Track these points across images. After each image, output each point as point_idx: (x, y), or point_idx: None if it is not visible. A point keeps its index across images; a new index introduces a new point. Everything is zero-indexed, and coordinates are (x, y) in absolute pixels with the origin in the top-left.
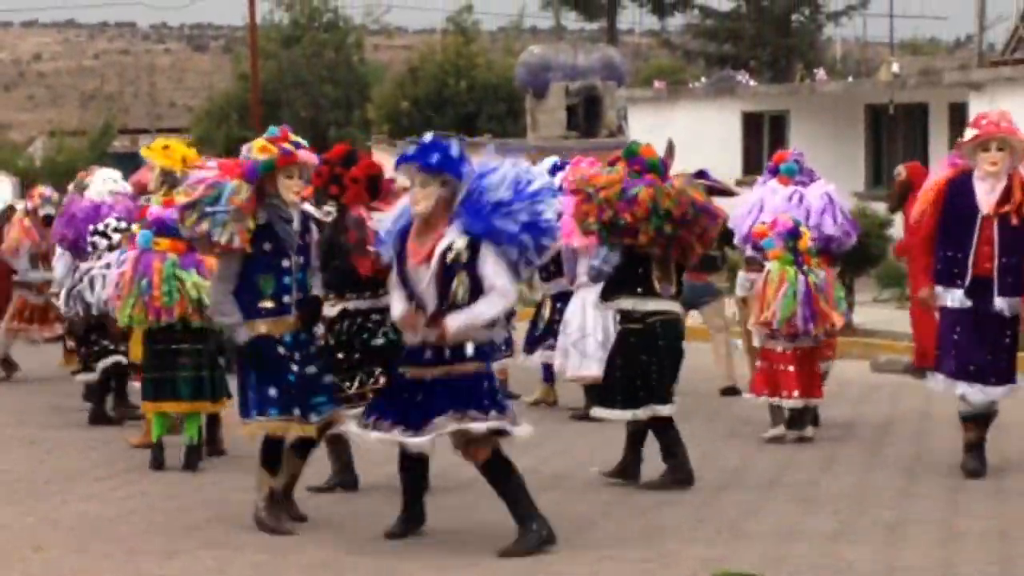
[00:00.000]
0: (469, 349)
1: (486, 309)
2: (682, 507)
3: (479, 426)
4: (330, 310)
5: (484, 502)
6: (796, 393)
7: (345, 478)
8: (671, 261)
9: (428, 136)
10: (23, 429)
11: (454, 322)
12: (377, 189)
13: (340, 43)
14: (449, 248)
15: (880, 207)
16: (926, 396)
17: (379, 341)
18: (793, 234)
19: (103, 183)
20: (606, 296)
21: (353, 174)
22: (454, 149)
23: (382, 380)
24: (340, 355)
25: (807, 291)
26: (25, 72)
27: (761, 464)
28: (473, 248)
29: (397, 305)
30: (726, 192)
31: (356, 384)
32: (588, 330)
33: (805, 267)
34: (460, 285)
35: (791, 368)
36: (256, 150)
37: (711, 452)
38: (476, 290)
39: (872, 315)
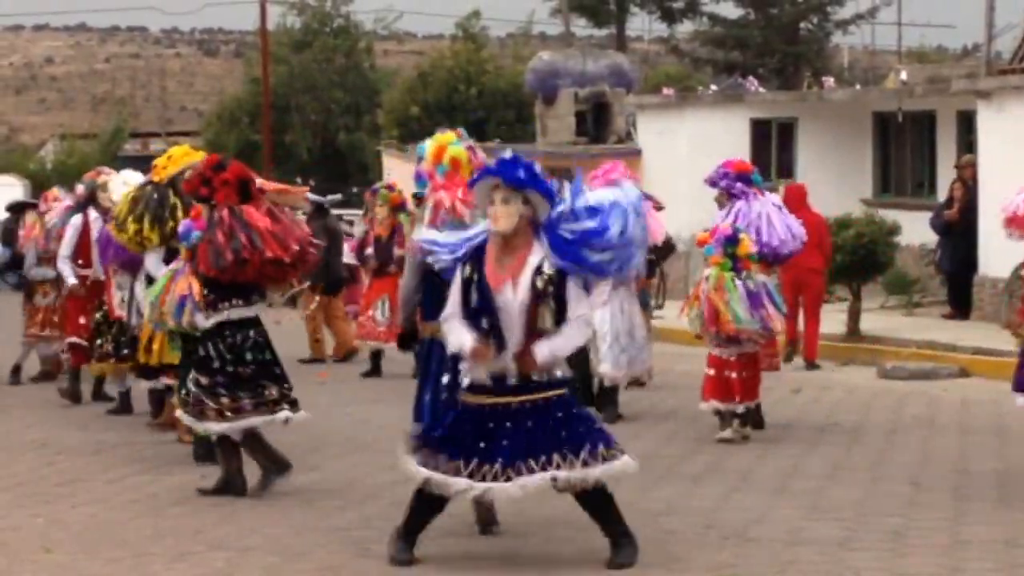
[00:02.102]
0: (558, 373)
1: (573, 338)
2: (689, 513)
3: (578, 475)
4: (205, 322)
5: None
6: (737, 399)
7: (277, 468)
8: None
9: (508, 152)
10: (33, 432)
11: (543, 352)
12: (248, 192)
13: (351, 48)
14: (539, 272)
15: (888, 214)
16: (932, 403)
17: (267, 355)
18: (732, 240)
19: (123, 186)
20: None
21: (223, 177)
22: (536, 167)
23: (274, 393)
24: (239, 368)
25: (747, 295)
26: (37, 76)
27: (767, 471)
28: (560, 273)
29: (461, 335)
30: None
31: (268, 392)
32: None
33: (744, 273)
34: (547, 311)
35: (734, 374)
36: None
37: (717, 458)
38: (559, 317)
39: (879, 322)
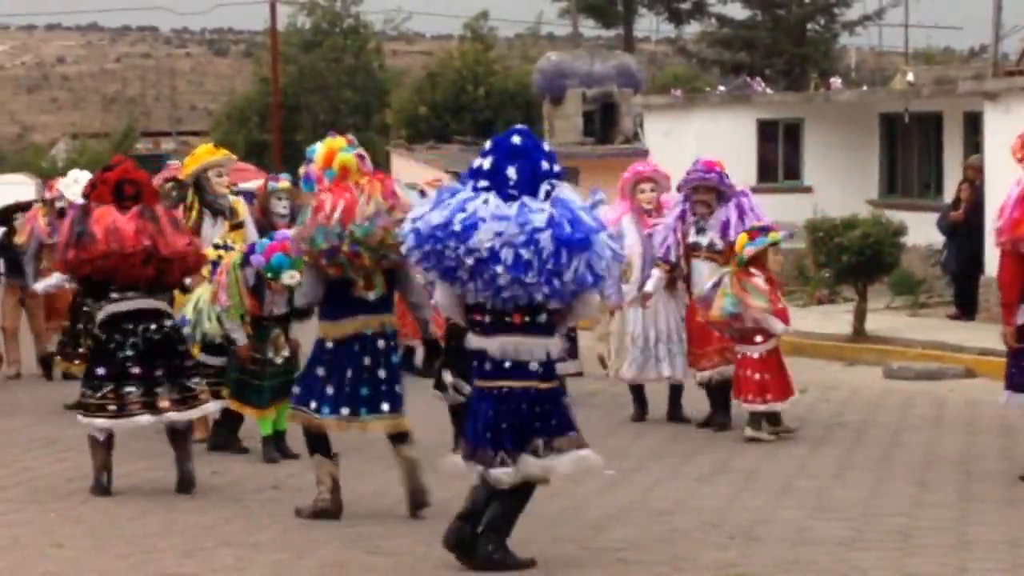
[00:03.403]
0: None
1: None
2: (695, 512)
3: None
4: (100, 314)
5: None
6: (770, 397)
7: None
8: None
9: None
10: (44, 428)
11: None
12: (122, 192)
13: (360, 48)
14: None
15: (894, 215)
16: (938, 403)
17: (129, 352)
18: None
19: (75, 184)
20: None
21: (103, 177)
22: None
23: (126, 390)
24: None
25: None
26: (48, 75)
27: (773, 470)
28: None
29: None
30: None
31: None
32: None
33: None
34: None
35: (754, 374)
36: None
37: (723, 458)
38: None
39: (885, 322)
